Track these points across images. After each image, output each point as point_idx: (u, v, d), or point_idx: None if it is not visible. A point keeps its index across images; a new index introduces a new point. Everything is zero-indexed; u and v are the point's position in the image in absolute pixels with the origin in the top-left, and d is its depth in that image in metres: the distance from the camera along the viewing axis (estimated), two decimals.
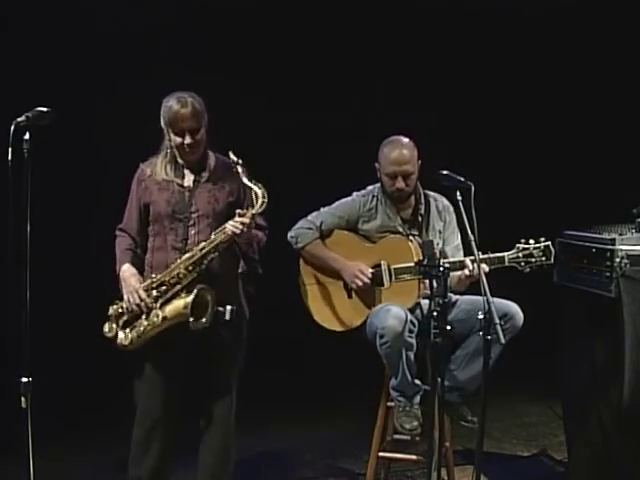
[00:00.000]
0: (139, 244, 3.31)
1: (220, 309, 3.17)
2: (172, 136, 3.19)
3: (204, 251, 3.14)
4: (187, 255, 3.16)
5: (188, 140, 3.16)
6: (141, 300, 3.15)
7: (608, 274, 3.42)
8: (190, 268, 3.15)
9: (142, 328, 3.17)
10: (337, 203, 3.76)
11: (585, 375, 3.62)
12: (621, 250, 3.40)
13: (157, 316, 3.14)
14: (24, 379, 2.70)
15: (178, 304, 3.14)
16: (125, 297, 3.20)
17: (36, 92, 3.50)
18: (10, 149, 2.61)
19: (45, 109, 2.72)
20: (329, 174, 5.02)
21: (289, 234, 3.75)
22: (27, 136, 2.66)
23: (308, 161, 5.26)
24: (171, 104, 3.16)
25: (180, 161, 3.26)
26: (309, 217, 3.75)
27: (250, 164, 3.30)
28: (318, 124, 5.31)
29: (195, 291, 3.12)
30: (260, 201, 3.14)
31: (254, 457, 4.31)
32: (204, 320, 3.13)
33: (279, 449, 4.51)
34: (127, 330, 3.20)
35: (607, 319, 3.46)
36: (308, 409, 5.02)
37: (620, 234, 3.49)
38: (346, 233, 3.71)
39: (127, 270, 3.24)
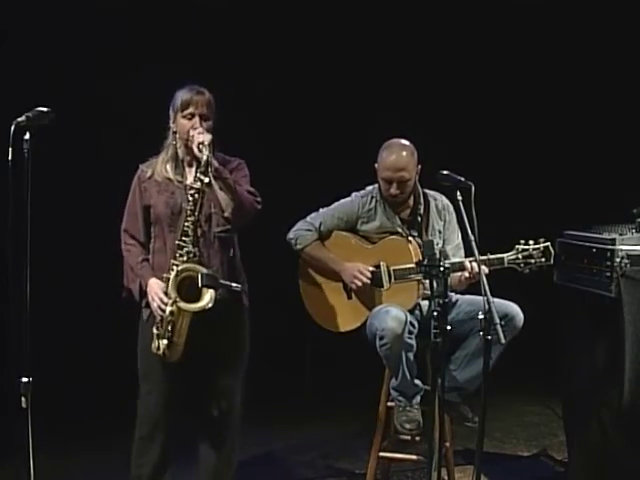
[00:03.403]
0: (146, 247, 3.26)
1: (224, 282, 3.10)
2: (181, 122, 3.15)
3: (183, 226, 3.08)
4: (175, 242, 3.10)
5: (198, 125, 3.12)
6: (161, 300, 3.09)
7: (608, 274, 3.42)
8: (179, 252, 3.07)
9: (165, 332, 3.09)
10: (336, 204, 3.76)
11: (585, 375, 3.62)
12: (621, 250, 3.41)
13: (166, 311, 3.06)
14: (24, 379, 2.69)
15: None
16: (152, 308, 3.14)
17: (36, 92, 3.49)
18: (10, 149, 2.61)
19: (45, 109, 2.72)
20: (328, 174, 5.02)
21: (288, 235, 3.74)
22: (27, 136, 2.66)
23: (307, 161, 5.26)
24: (185, 91, 3.16)
25: (181, 156, 3.23)
26: (308, 218, 3.75)
27: (249, 164, 3.30)
28: (317, 123, 5.31)
29: (177, 269, 3.05)
30: (204, 157, 3.03)
31: (254, 457, 4.31)
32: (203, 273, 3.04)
33: (279, 449, 4.51)
34: (160, 341, 3.11)
35: (607, 319, 3.45)
36: (308, 409, 5.02)
37: (620, 234, 3.49)
38: (345, 234, 3.71)
39: (153, 283, 3.15)
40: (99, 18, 4.77)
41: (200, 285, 3.05)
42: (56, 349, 4.47)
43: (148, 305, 3.20)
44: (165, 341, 3.10)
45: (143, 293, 3.20)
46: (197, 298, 3.08)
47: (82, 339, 4.68)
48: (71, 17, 4.70)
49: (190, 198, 3.08)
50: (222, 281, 3.11)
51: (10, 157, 2.60)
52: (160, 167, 3.24)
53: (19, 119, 2.67)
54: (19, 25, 4.67)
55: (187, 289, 3.08)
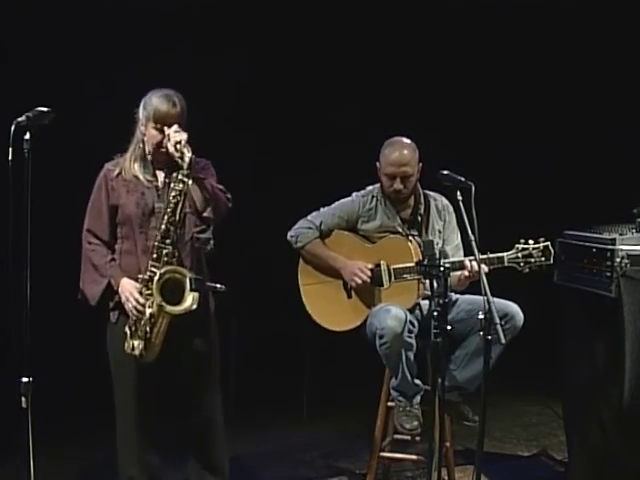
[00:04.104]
0: (111, 247, 3.20)
1: (210, 284, 3.11)
2: (151, 132, 3.12)
3: (163, 228, 3.05)
4: (153, 244, 3.08)
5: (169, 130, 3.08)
6: (137, 301, 3.07)
7: (608, 274, 3.42)
8: (158, 253, 3.05)
9: (142, 333, 3.07)
10: (337, 203, 3.76)
11: (585, 375, 3.62)
12: (621, 250, 3.41)
13: (146, 313, 3.05)
14: (24, 379, 2.70)
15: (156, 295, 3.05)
16: (126, 308, 3.11)
17: (36, 92, 3.49)
18: (10, 149, 2.61)
19: (45, 109, 2.72)
20: (329, 174, 5.02)
21: (289, 234, 3.75)
22: (27, 136, 2.66)
23: (308, 161, 5.26)
24: (160, 100, 3.10)
25: (149, 157, 3.18)
26: (309, 217, 3.76)
27: (250, 165, 3.30)
28: (318, 123, 5.31)
29: (159, 272, 3.03)
30: (187, 159, 3.00)
31: (254, 457, 4.30)
32: (188, 279, 3.03)
33: (279, 449, 4.51)
34: (134, 341, 3.10)
35: (607, 319, 3.45)
36: (308, 408, 5.02)
37: (620, 234, 3.49)
38: (346, 233, 3.71)
39: (127, 283, 3.11)
40: (99, 18, 4.77)
41: (190, 289, 3.03)
42: (56, 349, 4.47)
43: (116, 307, 3.16)
44: (141, 341, 3.07)
45: (110, 293, 3.14)
46: (178, 300, 3.06)
47: (82, 339, 4.68)
48: (71, 17, 4.70)
49: (172, 200, 3.04)
50: (208, 283, 3.12)
51: (10, 157, 2.60)
52: (128, 165, 3.19)
53: (19, 119, 2.68)
54: (19, 25, 4.67)
55: (168, 291, 3.05)
